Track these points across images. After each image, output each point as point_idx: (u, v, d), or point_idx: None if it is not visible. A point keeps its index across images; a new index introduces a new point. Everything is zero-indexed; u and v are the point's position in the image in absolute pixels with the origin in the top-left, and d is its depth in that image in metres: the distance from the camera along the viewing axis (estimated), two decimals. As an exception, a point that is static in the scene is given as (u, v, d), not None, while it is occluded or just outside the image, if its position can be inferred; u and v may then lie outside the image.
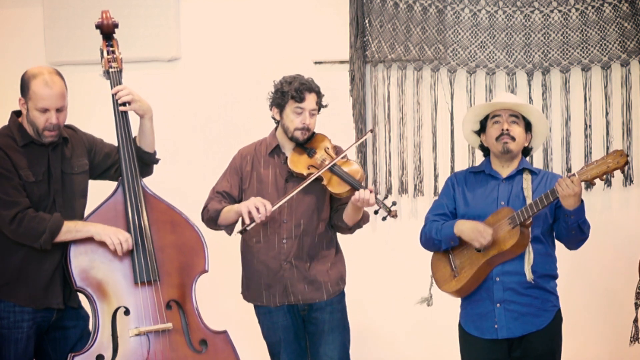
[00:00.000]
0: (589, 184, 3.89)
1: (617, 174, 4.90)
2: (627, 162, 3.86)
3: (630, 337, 4.35)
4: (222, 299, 4.98)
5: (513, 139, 4.05)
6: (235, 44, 5.54)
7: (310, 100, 4.16)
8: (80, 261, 3.94)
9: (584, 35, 5.13)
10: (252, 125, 4.98)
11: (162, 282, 4.00)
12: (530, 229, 3.95)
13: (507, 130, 4.04)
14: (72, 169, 4.05)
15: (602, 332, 5.17)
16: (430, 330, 5.23)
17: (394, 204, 4.07)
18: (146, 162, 4.21)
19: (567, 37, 5.15)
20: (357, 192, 4.03)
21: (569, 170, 5.15)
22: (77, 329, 4.08)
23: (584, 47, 5.13)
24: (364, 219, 4.23)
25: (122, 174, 4.06)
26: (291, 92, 4.14)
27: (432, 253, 4.20)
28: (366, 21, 5.31)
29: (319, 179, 4.12)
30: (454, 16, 5.25)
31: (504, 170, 4.11)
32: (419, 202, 5.32)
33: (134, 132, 4.17)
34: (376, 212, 4.10)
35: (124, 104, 4.07)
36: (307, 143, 4.21)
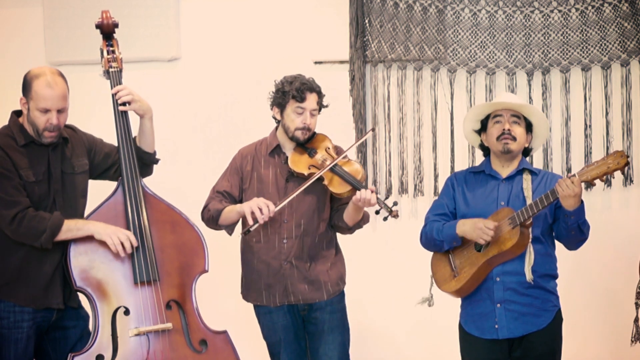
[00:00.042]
0: (589, 184, 3.89)
1: (617, 174, 4.92)
2: (627, 163, 3.86)
3: (632, 337, 4.35)
4: (222, 299, 4.98)
5: (514, 139, 4.05)
6: (235, 44, 5.54)
7: (311, 100, 4.16)
8: (80, 261, 3.94)
9: (584, 35, 5.13)
10: (252, 125, 4.99)
11: (162, 282, 4.00)
12: (530, 229, 3.95)
13: (509, 130, 4.04)
14: (72, 169, 4.05)
15: (602, 332, 5.17)
16: (431, 330, 5.23)
17: (395, 204, 4.07)
18: (146, 162, 4.21)
19: (567, 37, 5.15)
20: (358, 192, 4.03)
21: (569, 170, 5.15)
22: (77, 329, 4.08)
23: (584, 47, 5.13)
24: (364, 219, 4.23)
25: (122, 174, 4.05)
26: (292, 91, 4.14)
27: (432, 253, 4.20)
28: (366, 21, 5.31)
29: (320, 179, 4.12)
30: (454, 16, 5.25)
31: (504, 170, 4.11)
32: (419, 202, 5.32)
33: (134, 132, 4.17)
34: (377, 213, 4.10)
35: (123, 104, 4.07)
36: (307, 143, 4.21)
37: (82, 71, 5.27)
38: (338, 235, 4.33)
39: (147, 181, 4.16)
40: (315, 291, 4.20)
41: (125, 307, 3.95)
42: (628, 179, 5.11)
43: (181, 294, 4.04)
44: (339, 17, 5.35)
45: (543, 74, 5.19)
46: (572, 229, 3.94)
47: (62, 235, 3.90)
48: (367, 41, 5.33)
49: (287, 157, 4.21)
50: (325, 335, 4.22)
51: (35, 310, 3.94)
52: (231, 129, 5.48)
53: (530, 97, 5.18)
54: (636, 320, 4.34)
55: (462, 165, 5.21)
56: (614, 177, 5.00)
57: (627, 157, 3.87)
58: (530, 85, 5.21)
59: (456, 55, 5.26)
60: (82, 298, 4.08)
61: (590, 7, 5.11)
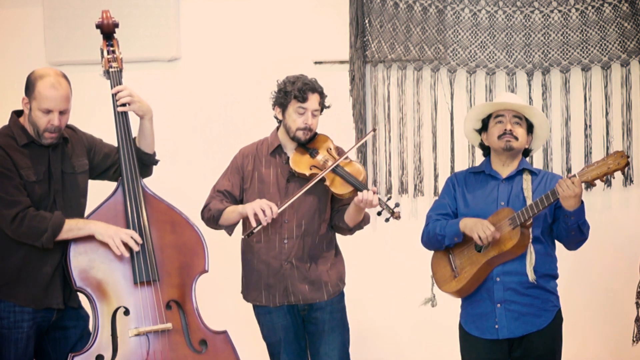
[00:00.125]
0: (590, 184, 3.90)
1: (617, 174, 4.91)
2: (627, 164, 3.86)
3: (633, 337, 4.35)
4: (222, 299, 4.98)
5: (516, 138, 4.05)
6: (235, 44, 5.54)
7: (313, 100, 4.16)
8: (80, 261, 3.94)
9: (584, 35, 5.13)
10: (252, 125, 4.99)
11: (162, 282, 4.00)
12: (530, 229, 3.95)
13: (510, 130, 4.04)
14: (73, 169, 4.05)
15: (602, 332, 5.17)
16: (431, 330, 5.23)
17: (397, 205, 4.07)
18: (145, 163, 4.21)
19: (567, 37, 5.15)
20: (360, 193, 4.03)
21: (569, 170, 5.15)
22: (77, 329, 4.08)
23: (584, 47, 5.13)
24: (365, 220, 4.23)
25: (122, 174, 4.05)
26: (294, 92, 4.13)
27: (432, 253, 4.20)
28: (366, 21, 5.31)
29: (321, 180, 4.11)
30: (454, 16, 5.25)
31: (504, 170, 4.11)
32: (419, 202, 5.32)
33: (134, 132, 4.17)
34: (379, 214, 4.10)
35: (123, 105, 4.07)
36: (309, 143, 4.21)
37: (82, 71, 5.27)
38: (338, 235, 4.33)
39: (147, 181, 4.15)
40: (315, 291, 4.20)
41: (125, 307, 3.95)
42: (628, 179, 5.11)
43: (181, 294, 4.04)
44: (339, 17, 5.35)
45: (543, 74, 5.19)
46: (572, 229, 3.94)
47: (63, 235, 3.90)
48: (367, 41, 5.33)
49: (288, 158, 4.20)
50: (325, 336, 4.22)
51: (36, 310, 3.94)
52: (231, 129, 5.47)
53: (530, 97, 5.18)
54: (637, 320, 4.34)
55: (462, 165, 5.21)
56: (614, 178, 5.00)
57: (627, 157, 3.88)
58: (530, 85, 5.21)
59: (456, 55, 5.26)
60: (82, 298, 4.08)
61: (590, 7, 5.11)
